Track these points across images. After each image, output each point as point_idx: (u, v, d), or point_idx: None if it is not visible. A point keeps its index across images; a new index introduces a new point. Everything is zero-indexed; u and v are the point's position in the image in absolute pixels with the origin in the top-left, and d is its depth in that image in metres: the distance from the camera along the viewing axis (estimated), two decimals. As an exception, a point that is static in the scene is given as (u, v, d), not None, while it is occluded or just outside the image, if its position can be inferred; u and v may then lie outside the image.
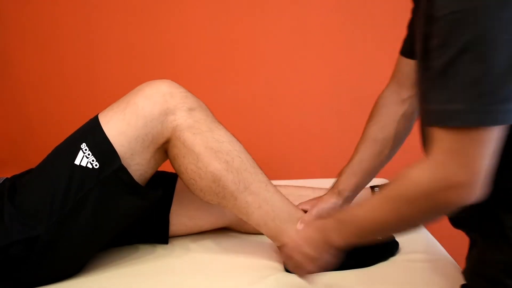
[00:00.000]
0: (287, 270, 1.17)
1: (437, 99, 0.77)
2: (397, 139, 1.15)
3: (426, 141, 0.89)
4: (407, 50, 1.11)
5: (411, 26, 1.07)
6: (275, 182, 1.22)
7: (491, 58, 0.73)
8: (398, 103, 1.14)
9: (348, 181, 1.18)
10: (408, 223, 0.87)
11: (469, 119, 0.74)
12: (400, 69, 1.14)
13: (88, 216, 1.09)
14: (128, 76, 2.04)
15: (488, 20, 0.72)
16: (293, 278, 1.15)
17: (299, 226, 1.14)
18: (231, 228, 1.39)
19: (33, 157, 1.25)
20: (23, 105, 2.13)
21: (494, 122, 0.75)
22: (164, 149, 1.15)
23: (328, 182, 1.61)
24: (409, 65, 1.09)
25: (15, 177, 1.24)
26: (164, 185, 1.27)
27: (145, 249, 1.31)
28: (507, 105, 0.75)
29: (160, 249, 1.30)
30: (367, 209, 0.89)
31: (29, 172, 1.24)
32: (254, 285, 1.13)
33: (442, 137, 0.78)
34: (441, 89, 0.76)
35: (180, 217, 1.32)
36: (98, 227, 1.12)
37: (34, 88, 2.12)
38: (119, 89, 1.22)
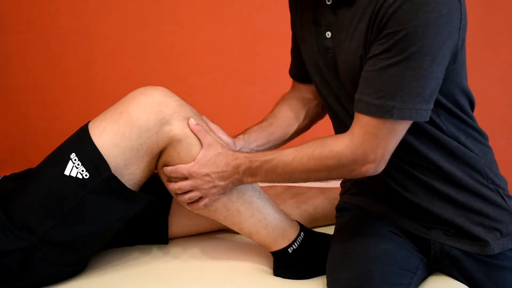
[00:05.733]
0: (276, 275, 1.18)
1: (371, 93, 0.94)
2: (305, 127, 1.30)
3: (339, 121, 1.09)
4: (300, 74, 1.24)
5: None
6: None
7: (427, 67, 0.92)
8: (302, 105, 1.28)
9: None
10: (315, 179, 1.05)
11: (400, 114, 0.94)
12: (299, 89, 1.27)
13: (80, 226, 1.09)
14: (128, 76, 2.05)
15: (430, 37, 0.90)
16: (291, 280, 1.16)
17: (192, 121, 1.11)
18: (229, 229, 1.39)
19: (33, 157, 1.25)
20: (23, 105, 2.13)
21: (418, 118, 0.95)
22: (158, 158, 1.13)
23: (326, 183, 1.61)
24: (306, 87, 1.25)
25: (13, 176, 1.23)
26: (163, 187, 1.27)
27: (144, 250, 1.31)
28: (429, 105, 0.95)
29: (159, 250, 1.30)
30: (281, 159, 1.05)
31: (27, 172, 1.24)
32: (252, 285, 1.14)
33: (366, 123, 0.96)
34: (378, 86, 0.94)
35: (179, 217, 1.32)
36: (91, 236, 1.12)
37: (34, 88, 2.12)
38: (119, 89, 1.23)
